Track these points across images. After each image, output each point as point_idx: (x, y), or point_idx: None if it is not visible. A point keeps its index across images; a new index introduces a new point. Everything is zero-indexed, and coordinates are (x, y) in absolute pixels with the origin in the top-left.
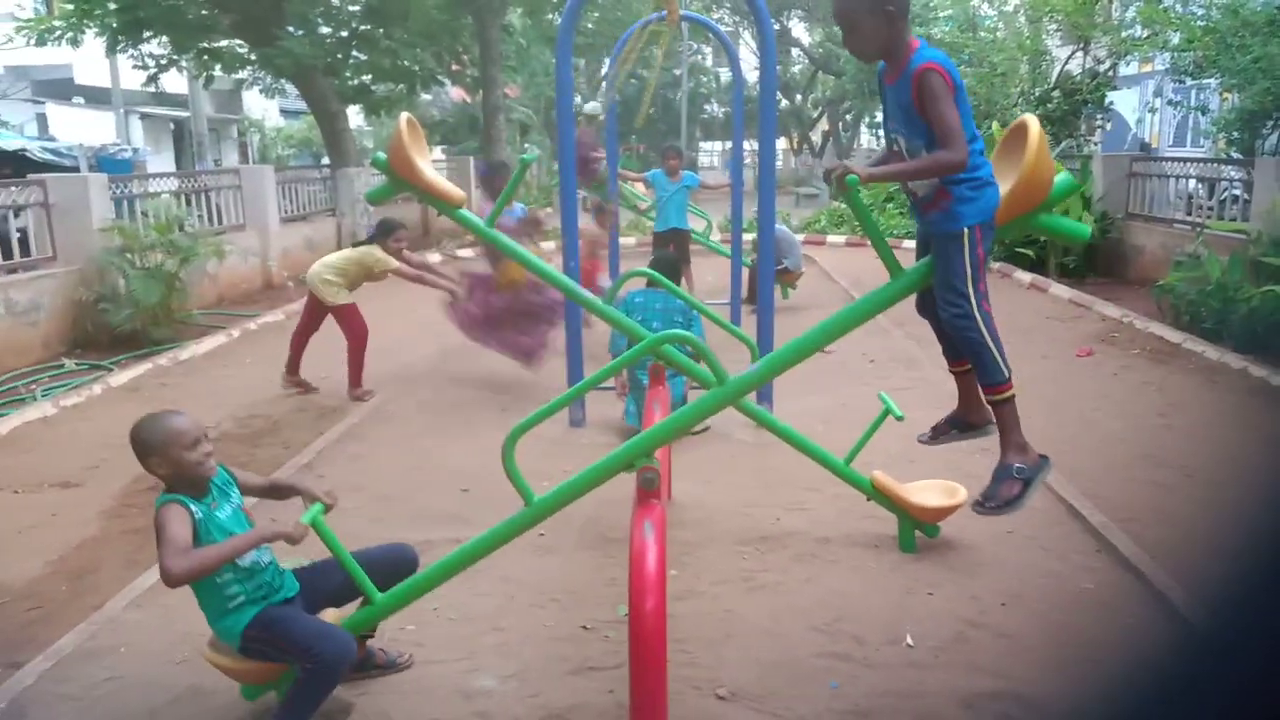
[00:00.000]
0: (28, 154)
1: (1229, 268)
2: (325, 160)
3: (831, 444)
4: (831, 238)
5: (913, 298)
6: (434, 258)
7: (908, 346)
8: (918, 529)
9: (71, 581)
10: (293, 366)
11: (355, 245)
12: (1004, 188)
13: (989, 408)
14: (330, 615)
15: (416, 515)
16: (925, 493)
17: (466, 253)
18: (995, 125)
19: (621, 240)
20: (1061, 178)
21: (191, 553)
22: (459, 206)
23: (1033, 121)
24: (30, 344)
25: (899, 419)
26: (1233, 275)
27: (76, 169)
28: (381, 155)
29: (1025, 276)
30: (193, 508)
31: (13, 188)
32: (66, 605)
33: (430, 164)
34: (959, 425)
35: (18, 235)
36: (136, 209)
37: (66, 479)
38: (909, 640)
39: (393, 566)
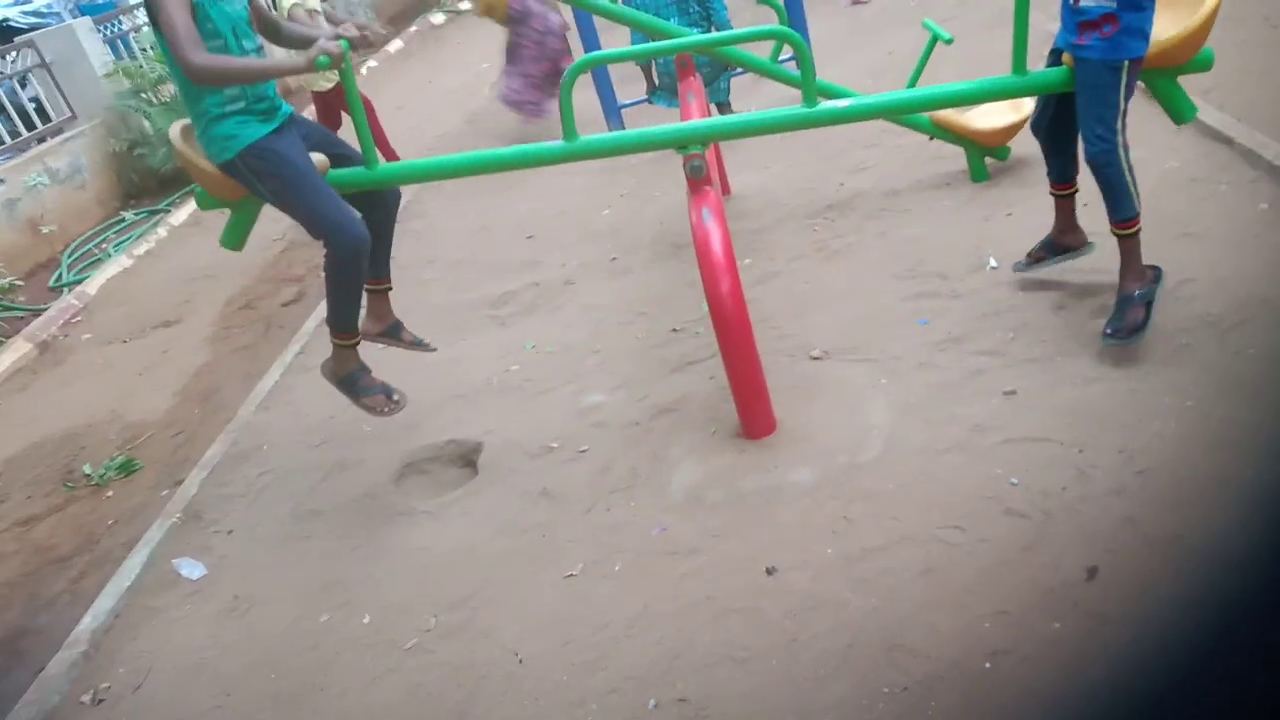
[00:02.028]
0: (11, 24)
1: None
2: None
3: (885, 88)
4: None
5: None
6: (438, 19)
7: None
8: (987, 155)
9: (201, 403)
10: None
11: None
12: (1157, 31)
13: (1082, 231)
14: (316, 160)
15: (491, 271)
16: (989, 115)
17: (467, 4)
18: None
19: None
20: (1205, 51)
21: (221, 57)
22: None
23: None
24: (86, 206)
25: (948, 43)
26: None
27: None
28: None
29: None
30: None
31: (6, 56)
32: (204, 423)
33: None
34: (1054, 249)
35: (33, 105)
36: (133, 46)
37: (165, 318)
38: (992, 262)
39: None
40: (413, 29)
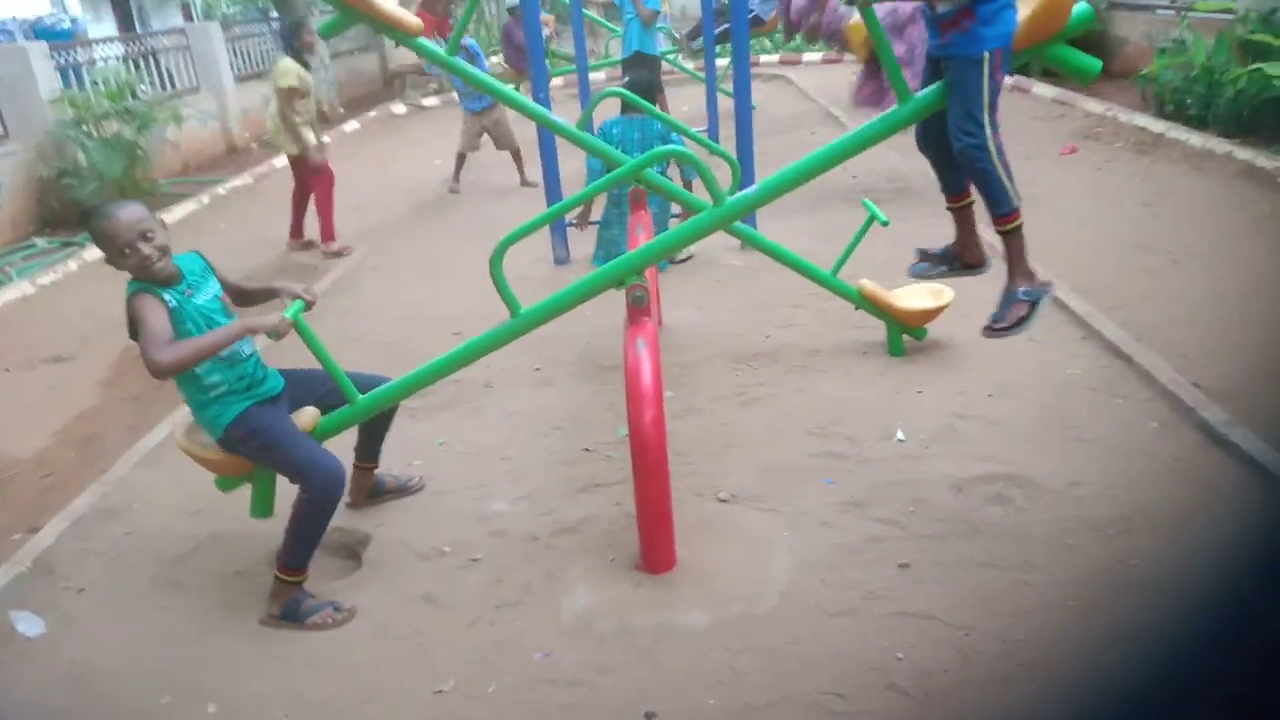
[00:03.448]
0: None
1: (1215, 50)
2: (274, 13)
3: (818, 260)
4: (807, 56)
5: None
6: (399, 109)
7: (891, 160)
8: (905, 333)
9: (78, 449)
10: (295, 230)
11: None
12: (1021, 12)
13: (982, 249)
14: (307, 415)
15: (413, 362)
16: (912, 297)
17: (431, 101)
18: None
19: (591, 75)
20: (1080, 8)
21: (176, 344)
22: (417, 35)
23: None
24: None
25: (884, 225)
26: (1218, 57)
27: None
28: None
29: (1008, 80)
30: (165, 296)
31: None
32: (77, 471)
33: None
34: (952, 263)
35: None
36: (85, 79)
37: (58, 354)
38: (900, 435)
39: (374, 388)
40: (372, 114)
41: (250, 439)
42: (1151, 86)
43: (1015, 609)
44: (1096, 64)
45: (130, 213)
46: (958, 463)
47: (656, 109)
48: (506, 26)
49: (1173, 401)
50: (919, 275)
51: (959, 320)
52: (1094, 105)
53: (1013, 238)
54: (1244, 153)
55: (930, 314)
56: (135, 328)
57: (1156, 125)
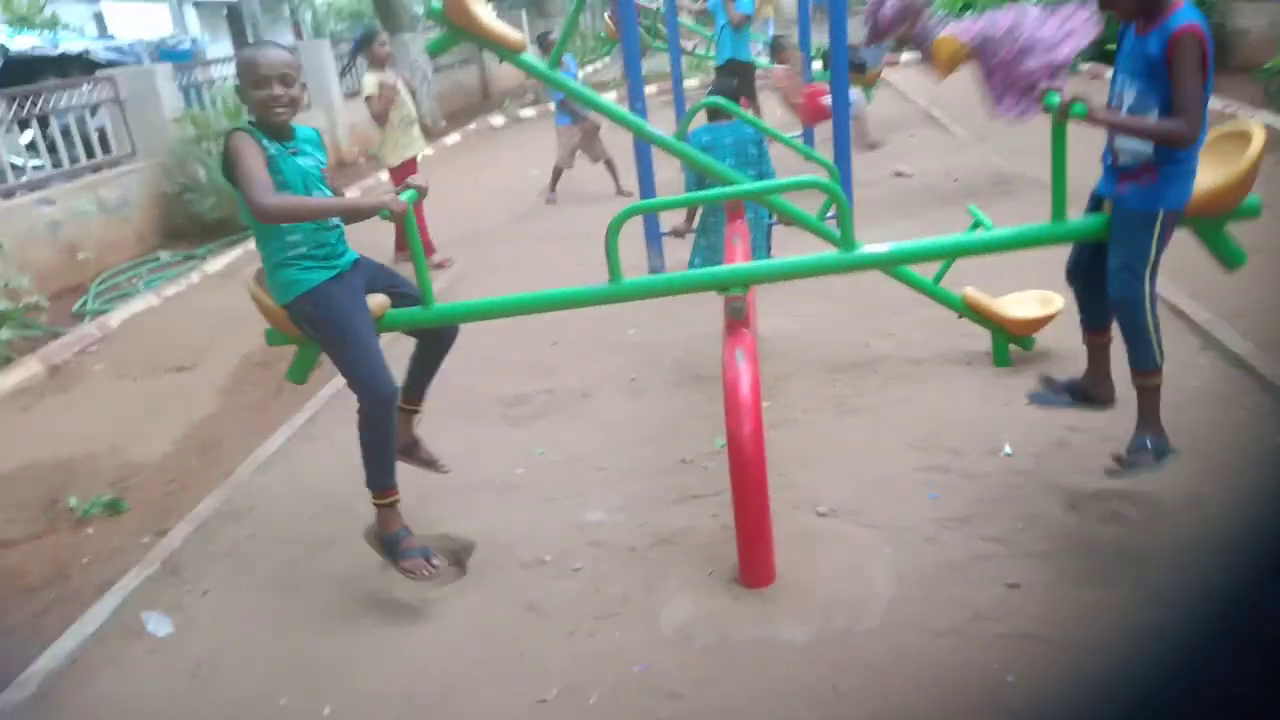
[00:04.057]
0: (91, 55)
1: None
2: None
3: (920, 268)
4: (905, 56)
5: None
6: (497, 120)
7: (995, 162)
8: (1012, 342)
9: (200, 455)
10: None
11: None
12: (1202, 183)
13: (1112, 387)
14: (376, 301)
15: (511, 369)
16: (1019, 305)
17: (528, 112)
18: None
19: (685, 83)
20: (1251, 199)
21: (289, 196)
22: (520, 51)
23: (1259, 134)
24: (125, 239)
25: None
26: None
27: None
28: (436, 4)
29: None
30: (264, 142)
31: (85, 86)
32: (199, 476)
33: (487, 8)
34: (1078, 395)
35: (96, 134)
36: (204, 97)
37: (180, 363)
38: (1008, 449)
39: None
40: (471, 126)
41: (318, 319)
42: (1276, 81)
43: (1130, 632)
44: (1241, 258)
45: (281, 53)
46: (1070, 478)
47: (747, 114)
48: None
49: None
50: (1039, 403)
51: (1068, 329)
52: (1213, 102)
53: (1147, 395)
54: None
55: (1038, 323)
56: (230, 168)
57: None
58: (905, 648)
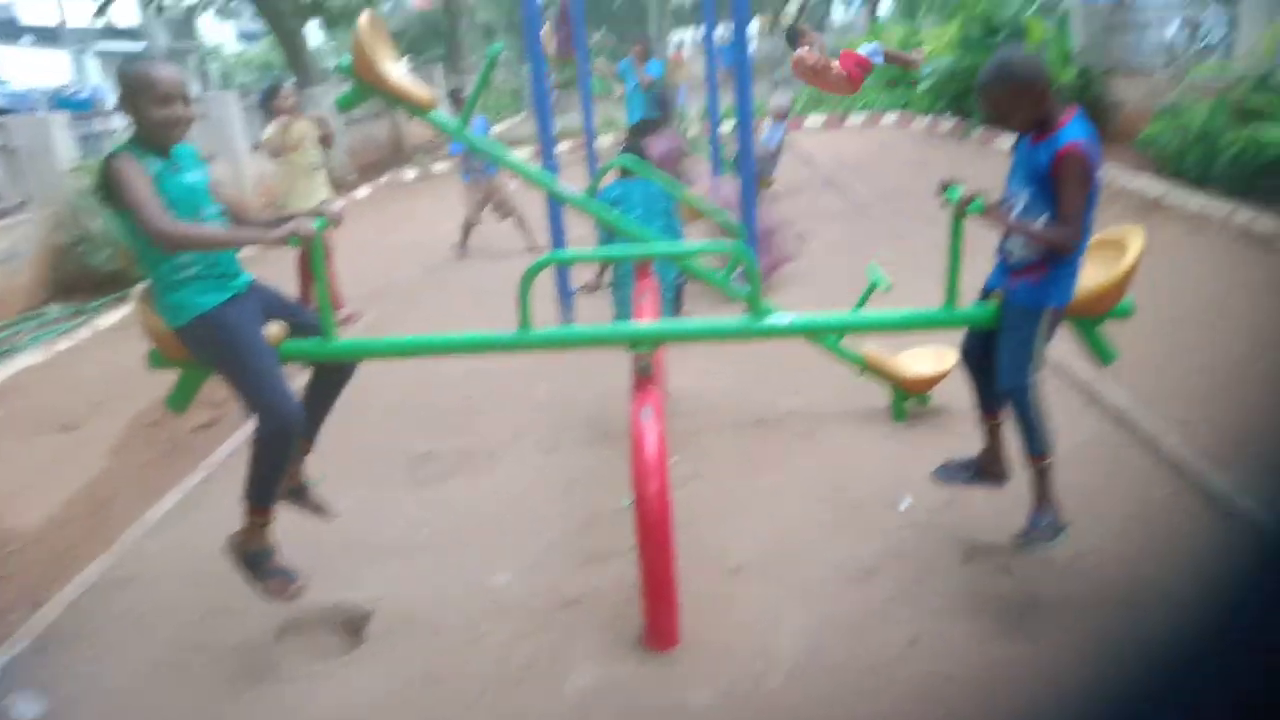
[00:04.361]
0: None
1: (1212, 113)
2: (287, 81)
3: (839, 303)
4: (809, 120)
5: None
6: (409, 174)
7: (892, 225)
8: (909, 399)
9: (87, 518)
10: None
11: None
12: (1084, 284)
13: (1006, 464)
14: (274, 329)
15: (421, 425)
16: (916, 361)
17: (441, 166)
18: None
19: (598, 140)
20: (1124, 303)
21: (194, 226)
22: (430, 109)
23: (1136, 244)
24: (13, 293)
25: (887, 290)
26: (1215, 121)
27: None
28: (346, 60)
29: (1006, 142)
30: (146, 163)
31: None
32: (84, 542)
33: (397, 65)
34: (976, 472)
35: None
36: (104, 147)
37: (68, 422)
38: (907, 501)
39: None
40: (383, 179)
41: (214, 344)
42: (1150, 149)
43: (1023, 686)
44: (1112, 356)
45: (175, 69)
46: (965, 531)
47: (659, 174)
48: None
49: (1178, 469)
50: (943, 479)
51: (961, 385)
52: None
53: (1040, 476)
54: (1242, 215)
55: (934, 380)
56: (114, 195)
57: (1155, 187)
58: (808, 708)
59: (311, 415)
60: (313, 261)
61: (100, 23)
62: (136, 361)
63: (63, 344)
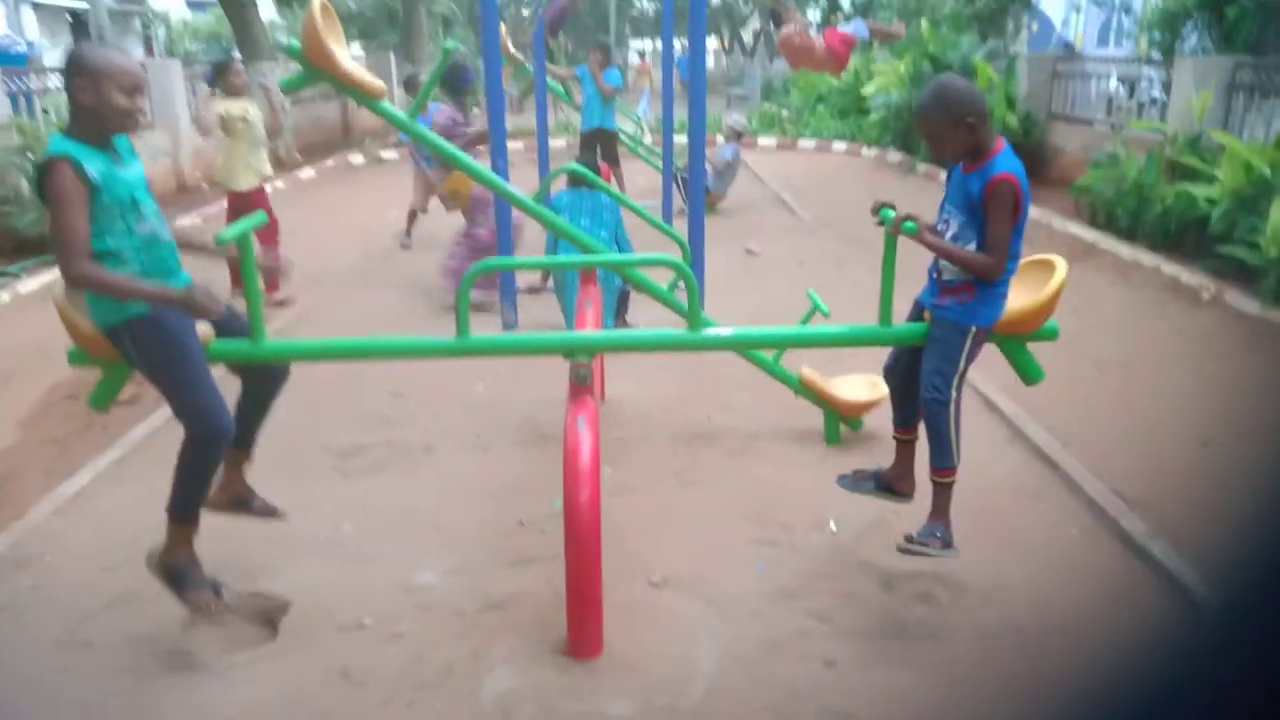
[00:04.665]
0: None
1: (1145, 167)
2: (236, 55)
3: (772, 318)
4: (762, 140)
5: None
6: (357, 159)
7: (836, 248)
8: (843, 422)
9: None
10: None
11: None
12: (1013, 304)
13: (913, 482)
14: (202, 329)
15: (348, 419)
16: (850, 387)
17: (389, 154)
18: (925, 23)
19: (551, 143)
20: (1050, 325)
21: (104, 274)
22: (379, 99)
23: (1063, 267)
24: None
25: (825, 315)
26: (1149, 175)
27: None
28: (296, 43)
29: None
30: (89, 169)
31: None
32: None
33: (347, 52)
34: (883, 486)
35: None
36: (36, 106)
37: None
38: (833, 526)
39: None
40: (329, 163)
41: (148, 345)
42: (1085, 197)
43: (936, 712)
44: (1039, 375)
45: (134, 60)
46: (887, 557)
47: (608, 185)
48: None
49: (1094, 509)
50: (845, 486)
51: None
52: (1031, 211)
53: (943, 489)
54: (1170, 267)
55: (867, 406)
56: (46, 200)
57: (1088, 234)
58: None
59: (246, 423)
60: (243, 268)
61: None
62: (57, 329)
63: None
